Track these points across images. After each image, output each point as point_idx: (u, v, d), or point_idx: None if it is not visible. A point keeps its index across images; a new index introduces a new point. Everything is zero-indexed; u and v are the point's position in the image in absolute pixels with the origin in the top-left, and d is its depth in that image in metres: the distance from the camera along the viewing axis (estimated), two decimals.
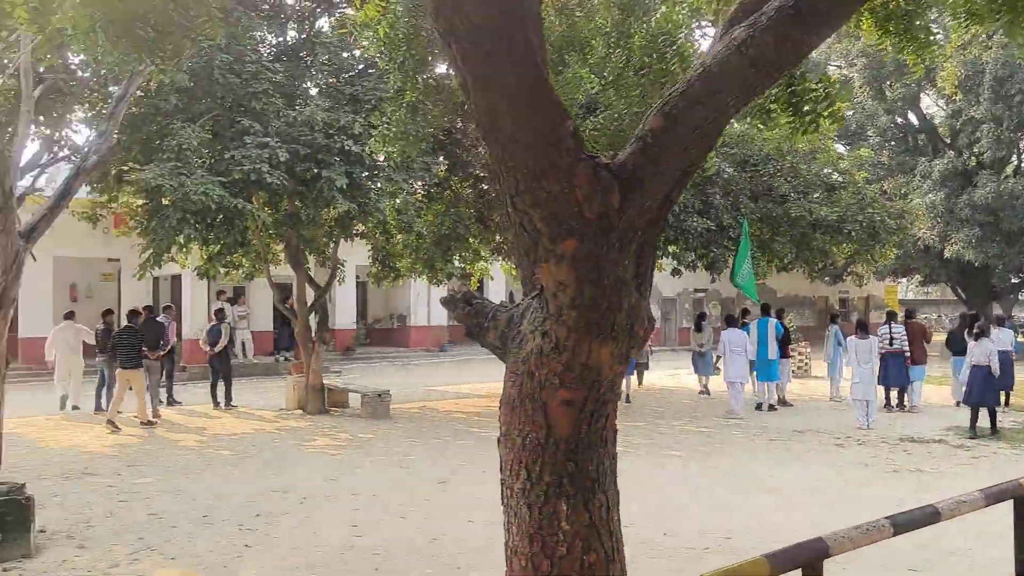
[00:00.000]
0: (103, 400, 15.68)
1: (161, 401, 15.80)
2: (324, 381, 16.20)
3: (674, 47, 7.41)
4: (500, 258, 21.38)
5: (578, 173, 2.84)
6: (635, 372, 19.13)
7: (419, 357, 28.95)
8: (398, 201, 12.72)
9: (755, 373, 16.12)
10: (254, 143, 11.36)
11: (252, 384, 21.00)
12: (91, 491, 9.30)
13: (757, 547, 5.04)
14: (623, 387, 18.23)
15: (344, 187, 11.83)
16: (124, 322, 17.18)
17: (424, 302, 30.09)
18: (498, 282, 29.11)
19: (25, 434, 13.05)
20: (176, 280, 25.89)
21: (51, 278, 23.51)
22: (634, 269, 3.13)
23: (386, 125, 8.20)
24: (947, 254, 26.39)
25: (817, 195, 16.59)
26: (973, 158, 26.35)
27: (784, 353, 16.25)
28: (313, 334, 15.92)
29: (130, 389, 13.89)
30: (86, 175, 7.55)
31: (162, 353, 15.44)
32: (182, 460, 11.15)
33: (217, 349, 16.04)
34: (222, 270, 14.81)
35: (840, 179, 16.84)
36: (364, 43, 8.22)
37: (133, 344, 13.78)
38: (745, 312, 18.54)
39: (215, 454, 11.62)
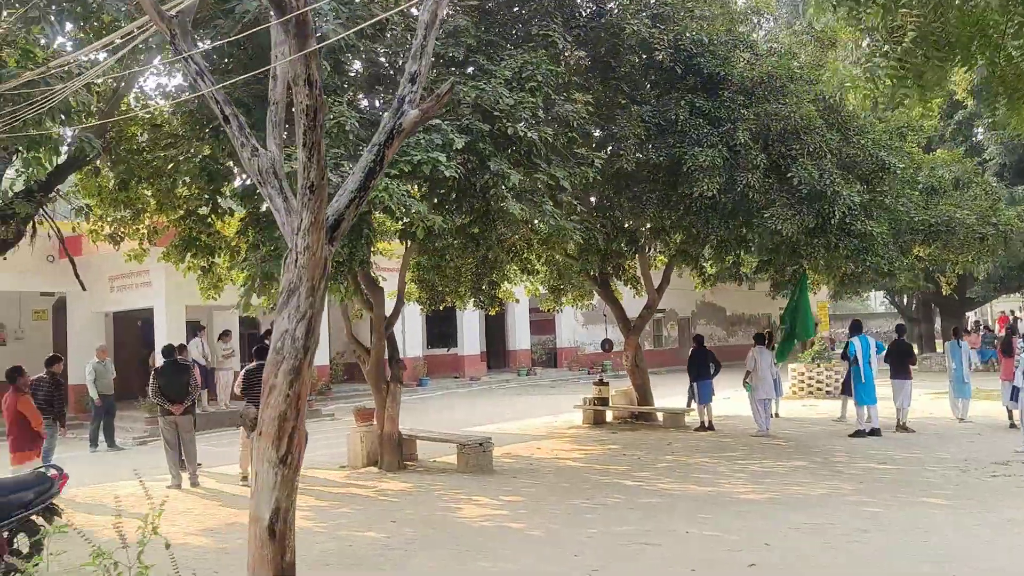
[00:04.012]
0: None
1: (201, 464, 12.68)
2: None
3: None
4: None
5: None
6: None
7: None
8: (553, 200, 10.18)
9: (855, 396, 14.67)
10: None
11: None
12: None
13: None
14: (704, 415, 16.43)
15: (516, 185, 9.25)
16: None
17: (399, 331, 27.06)
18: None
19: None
20: (124, 317, 21.93)
21: None
22: None
23: (876, 60, 5.65)
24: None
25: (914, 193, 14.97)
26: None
27: (906, 373, 14.63)
28: (388, 373, 13.04)
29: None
30: (402, 138, 4.81)
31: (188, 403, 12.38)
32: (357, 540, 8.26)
33: None
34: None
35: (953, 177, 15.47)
36: None
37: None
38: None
39: (384, 539, 8.74)
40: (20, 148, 7.81)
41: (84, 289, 11.82)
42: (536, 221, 9.99)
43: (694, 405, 16.88)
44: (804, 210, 11.55)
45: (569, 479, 11.80)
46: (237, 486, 12.09)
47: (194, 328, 19.56)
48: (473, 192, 9.45)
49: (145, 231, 12.86)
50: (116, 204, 12.25)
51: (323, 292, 4.48)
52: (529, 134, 9.30)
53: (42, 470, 7.32)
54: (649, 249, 15.50)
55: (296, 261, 4.36)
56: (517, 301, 21.51)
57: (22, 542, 7.19)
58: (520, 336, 31.68)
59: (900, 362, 14.75)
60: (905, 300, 40.02)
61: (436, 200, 10.03)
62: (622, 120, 11.31)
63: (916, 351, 19.67)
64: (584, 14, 12.67)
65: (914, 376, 15.10)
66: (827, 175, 11.25)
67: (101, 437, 16.40)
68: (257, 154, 4.60)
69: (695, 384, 16.47)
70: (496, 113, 9.32)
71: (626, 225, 13.28)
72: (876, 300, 62.75)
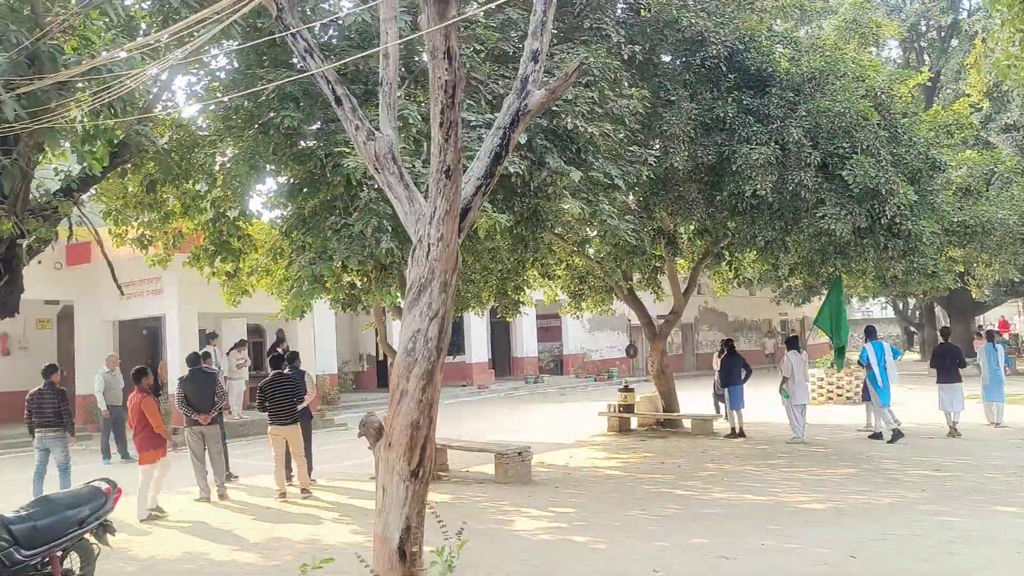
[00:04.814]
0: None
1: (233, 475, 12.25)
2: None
3: None
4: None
5: None
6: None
7: None
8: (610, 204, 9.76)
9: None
10: (480, 121, 8.27)
11: (257, 446, 17.00)
12: None
13: None
14: (735, 422, 16.05)
15: (575, 182, 8.87)
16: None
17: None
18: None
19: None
20: (130, 325, 21.38)
21: None
22: None
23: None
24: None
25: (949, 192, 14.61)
26: None
27: (956, 376, 14.24)
28: None
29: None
30: (528, 119, 4.43)
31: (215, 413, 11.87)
32: None
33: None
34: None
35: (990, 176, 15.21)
36: None
37: (288, 395, 11.54)
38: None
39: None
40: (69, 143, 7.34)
41: (123, 294, 11.33)
42: (587, 220, 9.64)
43: (721, 410, 16.60)
44: (855, 209, 11.23)
45: (615, 489, 11.42)
46: (264, 497, 11.67)
47: (206, 336, 19.03)
48: (527, 190, 9.07)
49: (171, 236, 12.39)
50: (141, 207, 11.79)
51: (454, 287, 4.09)
52: (589, 129, 8.94)
53: (96, 484, 6.87)
54: (686, 252, 15.12)
55: (428, 254, 3.95)
56: (535, 306, 21.14)
57: (74, 560, 6.74)
58: (527, 343, 31.30)
59: (950, 365, 14.28)
60: (902, 305, 39.85)
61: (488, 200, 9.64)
62: (670, 117, 10.96)
63: (920, 356, 19.33)
64: (620, 9, 12.37)
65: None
66: (882, 173, 10.93)
67: (113, 448, 15.90)
68: (374, 138, 4.21)
69: (727, 389, 16.11)
70: (554, 108, 8.96)
71: (659, 226, 12.91)
72: (863, 304, 62.68)
